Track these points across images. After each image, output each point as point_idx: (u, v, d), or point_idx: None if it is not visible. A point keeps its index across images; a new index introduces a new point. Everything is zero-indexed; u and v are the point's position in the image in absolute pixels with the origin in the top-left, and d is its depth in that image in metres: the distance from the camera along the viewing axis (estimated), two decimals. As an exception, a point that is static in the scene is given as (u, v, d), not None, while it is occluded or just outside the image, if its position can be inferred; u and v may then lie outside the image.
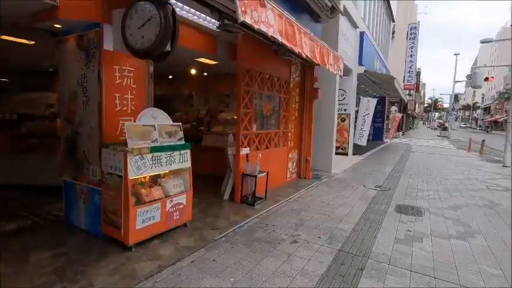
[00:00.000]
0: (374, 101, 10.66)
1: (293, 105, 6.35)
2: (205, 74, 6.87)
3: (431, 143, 21.34)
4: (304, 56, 4.01)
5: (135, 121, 3.10)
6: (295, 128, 6.48)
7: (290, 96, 6.13)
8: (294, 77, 6.27)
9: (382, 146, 16.10)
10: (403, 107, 30.13)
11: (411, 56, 26.28)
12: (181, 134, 3.43)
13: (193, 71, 6.62)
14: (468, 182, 7.13)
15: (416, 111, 65.11)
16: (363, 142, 10.82)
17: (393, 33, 26.56)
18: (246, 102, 4.70)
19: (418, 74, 51.88)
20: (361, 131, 10.82)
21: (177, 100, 8.05)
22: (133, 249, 2.98)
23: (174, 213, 3.35)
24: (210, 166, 5.76)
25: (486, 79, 29.79)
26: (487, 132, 51.71)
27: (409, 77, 26.65)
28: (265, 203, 4.75)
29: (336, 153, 10.60)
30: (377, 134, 19.43)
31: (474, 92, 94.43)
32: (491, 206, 5.15)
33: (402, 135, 28.42)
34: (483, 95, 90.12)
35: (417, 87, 51.04)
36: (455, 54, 28.73)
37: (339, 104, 10.59)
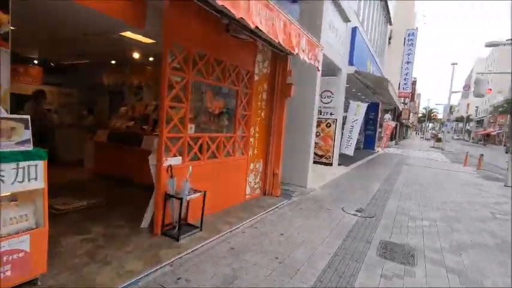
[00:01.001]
0: (364, 106, 9.43)
1: (258, 104, 5.03)
2: (150, 59, 5.51)
3: (424, 154, 20.26)
4: (252, 26, 2.69)
5: None
6: (260, 132, 5.16)
7: (254, 92, 4.82)
8: (260, 68, 4.96)
9: (372, 156, 14.90)
10: (397, 116, 29.14)
11: (408, 62, 25.29)
12: (26, 134, 2.07)
13: (136, 55, 5.27)
14: (470, 207, 5.88)
15: (410, 120, 64.64)
16: (350, 152, 9.57)
17: (390, 38, 25.59)
18: (177, 93, 3.37)
19: (414, 83, 51.30)
20: (349, 139, 9.57)
21: (126, 92, 6.69)
22: None
23: (4, 267, 1.99)
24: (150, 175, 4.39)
25: (482, 95, 29.02)
26: (484, 145, 51.24)
27: (405, 84, 25.65)
28: (198, 235, 3.40)
29: (319, 163, 9.34)
30: (368, 143, 18.28)
31: (468, 104, 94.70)
32: (503, 247, 3.89)
33: (395, 144, 27.38)
34: (477, 107, 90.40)
35: (412, 96, 50.40)
36: (452, 64, 27.80)
37: (324, 108, 9.35)
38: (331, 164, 9.27)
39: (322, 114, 9.36)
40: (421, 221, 4.69)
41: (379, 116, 23.47)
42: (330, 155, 9.31)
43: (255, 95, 4.89)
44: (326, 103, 9.28)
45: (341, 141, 9.71)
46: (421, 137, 72.09)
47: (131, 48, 4.94)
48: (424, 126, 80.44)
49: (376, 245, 3.58)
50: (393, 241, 3.74)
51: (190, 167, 3.29)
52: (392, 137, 27.48)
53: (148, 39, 4.12)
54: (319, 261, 3.05)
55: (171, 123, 3.33)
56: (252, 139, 4.94)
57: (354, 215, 4.70)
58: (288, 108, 5.47)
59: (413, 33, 25.32)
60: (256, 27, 2.83)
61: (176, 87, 3.35)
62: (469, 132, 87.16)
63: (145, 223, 3.45)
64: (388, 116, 24.18)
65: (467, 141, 71.46)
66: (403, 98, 30.54)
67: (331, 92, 9.19)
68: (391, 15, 18.47)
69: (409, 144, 34.10)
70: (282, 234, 3.67)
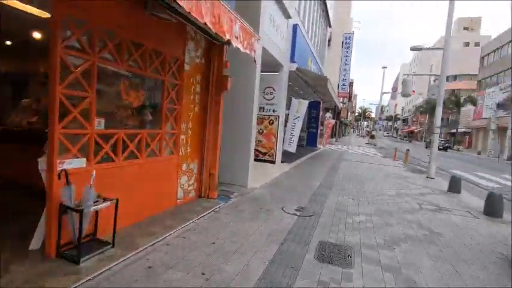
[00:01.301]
0: (305, 103, 9.52)
1: (191, 97, 4.51)
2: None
3: (361, 150, 21.80)
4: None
5: None
6: (194, 129, 4.65)
7: (185, 84, 4.29)
8: (192, 57, 4.44)
9: (315, 152, 15.39)
10: (336, 114, 30.98)
11: (345, 64, 27.00)
12: None
13: (36, 35, 4.31)
14: (400, 199, 6.21)
15: (348, 119, 69.79)
16: (292, 149, 9.59)
17: (329, 40, 26.96)
18: (77, 79, 2.71)
19: (351, 84, 55.44)
20: (291, 136, 9.57)
21: (32, 81, 5.54)
22: None
23: None
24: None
25: (409, 95, 32.49)
26: (410, 141, 57.70)
27: (343, 85, 27.36)
28: (108, 253, 2.79)
29: (262, 161, 9.14)
30: (311, 140, 18.90)
31: (396, 105, 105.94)
32: (431, 238, 4.04)
33: (336, 141, 29.07)
34: (403, 107, 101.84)
35: (350, 96, 54.38)
36: (382, 68, 30.62)
37: (267, 104, 9.18)
38: (274, 162, 9.14)
39: (265, 111, 9.18)
40: (357, 216, 4.71)
41: (321, 114, 24.50)
42: (273, 152, 9.18)
43: (187, 87, 4.36)
44: (269, 100, 9.12)
45: (284, 138, 9.67)
46: (357, 134, 78.54)
47: (28, 25, 3.99)
48: (360, 124, 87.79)
49: (314, 247, 3.38)
50: (331, 241, 3.59)
51: (94, 171, 2.66)
52: (333, 134, 29.14)
53: (45, 12, 3.29)
54: (253, 272, 2.71)
55: (68, 117, 2.65)
56: (183, 136, 4.41)
57: (294, 214, 4.51)
58: (226, 103, 5.06)
59: (350, 37, 27.11)
60: (174, 0, 2.35)
61: (75, 72, 2.68)
62: (396, 129, 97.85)
63: (35, 244, 2.71)
64: (329, 114, 25.46)
65: (395, 137, 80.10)
66: (342, 98, 32.60)
67: (273, 89, 9.05)
68: (331, 20, 19.36)
69: (348, 141, 36.64)
70: (213, 243, 3.25)
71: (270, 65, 8.66)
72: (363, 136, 63.70)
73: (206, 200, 4.86)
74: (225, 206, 4.65)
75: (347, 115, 48.16)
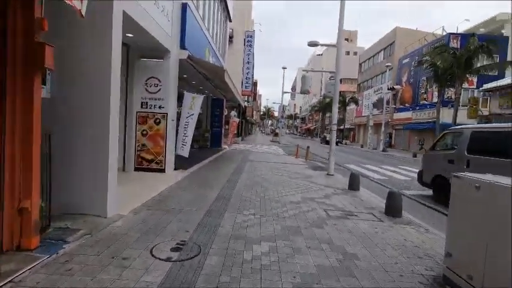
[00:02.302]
0: (200, 98, 8.04)
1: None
2: None
3: (266, 148, 21.82)
4: None
5: None
6: (-25, 133, 2.57)
7: None
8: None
9: (218, 154, 14.13)
10: (242, 113, 30.75)
11: (248, 62, 26.84)
12: None
13: None
14: (306, 207, 5.43)
15: (254, 118, 72.09)
16: (185, 152, 8.01)
17: (231, 37, 26.29)
18: None
19: (255, 84, 57.12)
20: (184, 137, 7.96)
21: None
22: None
23: None
24: None
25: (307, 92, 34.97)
26: (311, 138, 63.29)
27: (247, 83, 27.17)
28: None
29: (149, 170, 7.25)
30: (215, 140, 17.63)
31: (295, 104, 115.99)
32: (347, 265, 3.16)
33: (242, 140, 28.74)
34: (301, 107, 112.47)
35: (254, 95, 55.90)
36: (283, 68, 31.99)
37: (151, 99, 7.34)
38: (164, 170, 7.37)
39: (149, 107, 7.30)
40: (259, 245, 3.53)
41: (225, 112, 23.54)
42: (162, 158, 7.38)
43: None
44: (153, 93, 7.27)
45: (176, 140, 7.98)
46: (262, 132, 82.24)
47: None
48: (264, 123, 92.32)
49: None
50: (217, 309, 2.23)
51: None
52: (238, 134, 28.71)
53: None
54: None
55: None
56: None
57: (167, 259, 2.98)
58: (64, 91, 3.11)
59: (251, 35, 27.09)
60: None
61: None
62: (296, 127, 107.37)
63: None
64: (233, 112, 24.75)
65: (295, 134, 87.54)
66: (246, 96, 32.62)
67: (158, 80, 7.24)
68: (231, 13, 18.46)
69: (253, 140, 37.13)
70: None
71: (152, 49, 6.87)
72: (268, 134, 66.82)
73: (16, 254, 2.83)
74: (45, 263, 2.74)
75: (252, 114, 49.20)
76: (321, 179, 8.73)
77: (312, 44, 9.65)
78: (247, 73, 26.93)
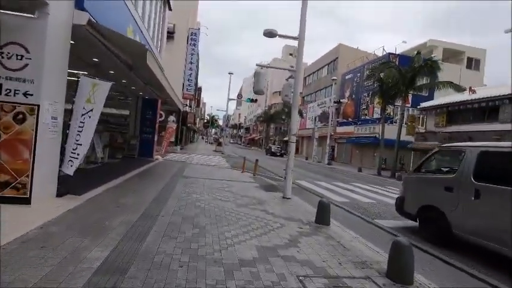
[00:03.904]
0: (105, 87, 5.29)
1: None
2: None
3: (208, 159, 19.22)
4: None
5: None
6: None
7: None
8: None
9: (145, 167, 11.09)
10: (182, 118, 27.57)
11: (191, 63, 24.09)
12: None
13: None
14: (268, 273, 3.18)
15: (197, 125, 68.43)
16: (71, 170, 5.13)
17: (172, 33, 23.37)
18: None
19: (200, 89, 54.02)
20: (76, 146, 5.08)
21: None
22: None
23: None
24: None
25: (253, 100, 33.37)
26: (260, 147, 61.85)
27: (189, 85, 24.32)
28: None
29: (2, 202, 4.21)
30: (145, 149, 14.42)
31: (239, 114, 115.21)
32: None
33: (181, 149, 25.52)
34: (245, 117, 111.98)
35: (198, 102, 52.72)
36: (229, 73, 29.91)
37: (7, 79, 4.38)
38: (28, 200, 4.39)
39: (4, 92, 4.31)
40: None
41: (162, 117, 20.37)
42: (25, 180, 4.39)
43: None
44: (13, 69, 4.31)
45: (64, 151, 5.06)
46: (205, 141, 78.67)
47: None
48: (208, 131, 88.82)
49: None
50: None
51: None
52: (177, 141, 25.50)
53: None
54: None
55: None
56: None
57: None
58: None
59: (196, 33, 24.49)
60: None
61: None
62: (240, 137, 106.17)
63: None
64: (172, 117, 21.55)
65: (240, 144, 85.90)
66: (188, 101, 29.60)
67: (24, 49, 4.33)
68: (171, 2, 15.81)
69: (195, 148, 34.00)
70: None
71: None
72: (211, 143, 63.80)
73: None
74: None
75: (195, 121, 45.91)
76: (277, 206, 6.62)
77: (268, 33, 7.69)
78: (190, 74, 24.13)
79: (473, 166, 4.70)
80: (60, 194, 5.16)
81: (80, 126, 5.10)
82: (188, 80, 24.30)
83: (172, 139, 23.74)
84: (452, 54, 30.36)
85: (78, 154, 5.07)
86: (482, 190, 4.45)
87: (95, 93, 5.20)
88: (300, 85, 7.77)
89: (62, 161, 5.14)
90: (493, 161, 4.64)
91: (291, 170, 7.69)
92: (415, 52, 27.42)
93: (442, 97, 21.89)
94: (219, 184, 8.90)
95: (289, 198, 7.62)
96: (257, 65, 7.33)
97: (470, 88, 17.72)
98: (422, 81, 19.44)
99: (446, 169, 5.67)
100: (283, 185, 7.91)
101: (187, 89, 24.14)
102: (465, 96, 18.44)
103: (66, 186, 5.25)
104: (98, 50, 6.34)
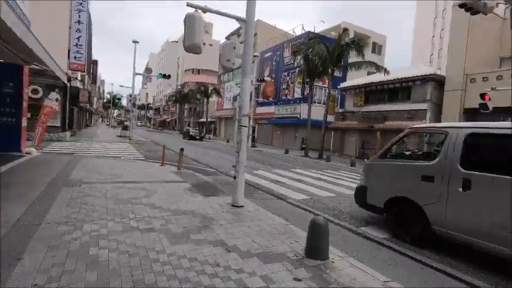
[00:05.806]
0: None
1: None
2: None
3: (110, 149, 14.98)
4: None
5: None
6: None
7: None
8: None
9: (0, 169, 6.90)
10: (72, 97, 21.40)
11: (79, 22, 18.29)
12: None
13: None
14: None
15: (94, 106, 58.01)
16: None
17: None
18: None
19: (95, 63, 44.85)
20: None
21: None
22: None
23: None
24: None
25: (165, 76, 28.79)
26: (172, 130, 55.95)
27: (78, 52, 18.55)
28: None
29: None
30: (5, 140, 9.64)
31: (147, 94, 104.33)
32: None
33: (71, 136, 19.79)
34: (154, 97, 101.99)
35: (94, 78, 43.91)
36: (134, 42, 24.68)
37: None
38: None
39: None
40: None
41: (35, 92, 15.09)
42: None
43: None
44: None
45: None
46: (107, 124, 67.97)
47: None
48: (110, 112, 76.82)
49: None
50: None
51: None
52: (66, 126, 19.67)
53: None
54: None
55: None
56: None
57: None
58: None
59: (83, -17, 18.55)
60: None
61: None
62: (149, 119, 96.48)
63: None
64: (55, 94, 15.97)
65: (149, 127, 77.55)
66: (79, 73, 23.23)
67: None
68: None
69: (92, 134, 27.72)
70: None
71: None
72: (114, 127, 55.09)
73: None
74: None
75: (90, 100, 37.91)
76: (234, 229, 4.25)
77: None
78: (79, 38, 18.33)
79: (460, 151, 3.78)
80: None
81: None
82: (77, 45, 18.50)
83: (57, 123, 18.06)
84: (361, 38, 32.45)
85: None
86: (474, 180, 3.59)
87: None
88: (251, 40, 5.38)
89: None
90: (486, 145, 3.81)
91: (243, 166, 5.36)
92: (332, 33, 27.93)
93: (356, 78, 22.83)
94: (133, 192, 5.88)
95: (241, 206, 5.34)
96: (188, 4, 4.54)
97: (385, 69, 18.51)
98: (347, 60, 19.44)
99: (420, 154, 4.74)
100: (233, 187, 5.54)
101: (75, 56, 18.38)
102: (379, 77, 19.25)
103: None
104: None
